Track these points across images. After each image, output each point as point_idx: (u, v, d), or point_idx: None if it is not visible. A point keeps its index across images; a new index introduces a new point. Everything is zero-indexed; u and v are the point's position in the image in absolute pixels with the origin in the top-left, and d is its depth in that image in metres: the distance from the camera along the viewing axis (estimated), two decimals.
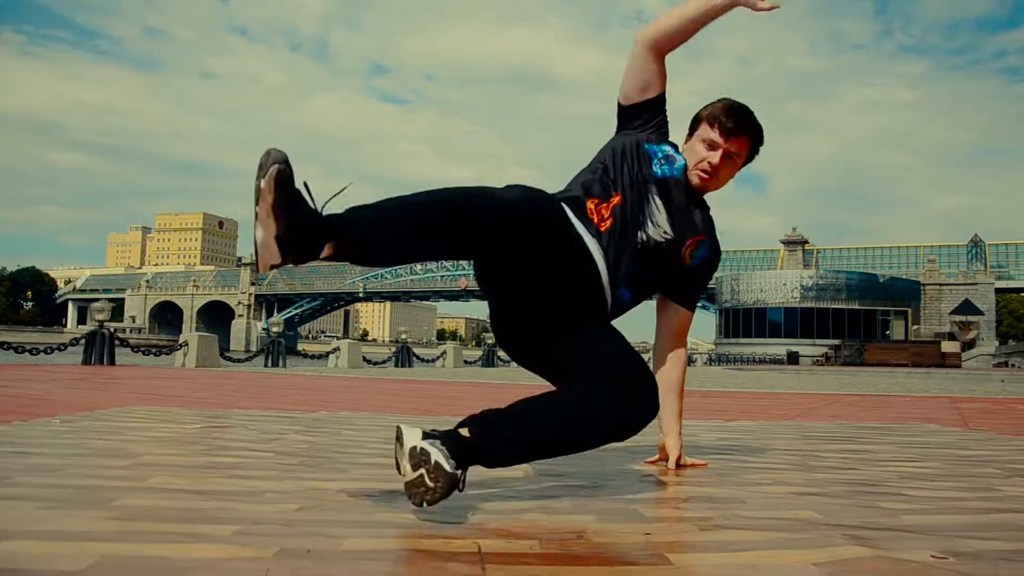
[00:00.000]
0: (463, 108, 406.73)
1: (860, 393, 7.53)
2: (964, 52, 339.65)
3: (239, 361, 13.31)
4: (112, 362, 10.73)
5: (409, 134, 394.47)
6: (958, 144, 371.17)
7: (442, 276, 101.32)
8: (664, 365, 1.96)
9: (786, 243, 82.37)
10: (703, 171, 1.88)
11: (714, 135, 1.89)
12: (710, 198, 1.95)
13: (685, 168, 1.88)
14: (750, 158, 1.98)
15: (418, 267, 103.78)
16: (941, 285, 71.01)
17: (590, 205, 1.73)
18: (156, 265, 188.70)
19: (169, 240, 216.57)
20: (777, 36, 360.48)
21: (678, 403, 1.97)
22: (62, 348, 10.82)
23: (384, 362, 16.22)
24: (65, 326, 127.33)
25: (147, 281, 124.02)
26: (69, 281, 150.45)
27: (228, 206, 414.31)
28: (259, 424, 2.96)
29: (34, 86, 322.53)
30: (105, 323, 11.00)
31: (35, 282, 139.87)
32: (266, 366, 13.49)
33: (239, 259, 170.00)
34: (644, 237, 1.75)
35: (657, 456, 2.03)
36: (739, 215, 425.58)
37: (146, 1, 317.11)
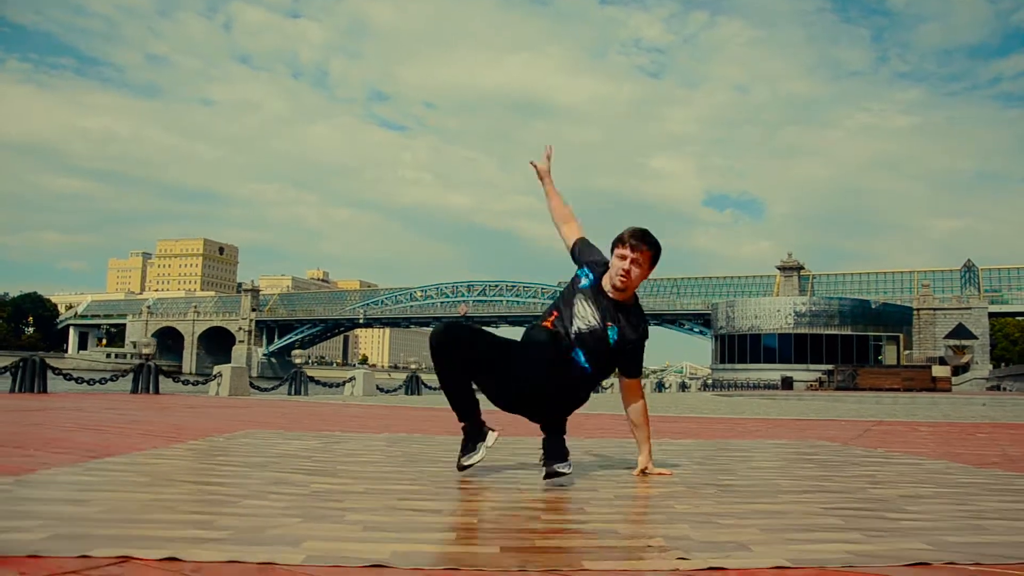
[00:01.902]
0: (462, 135, 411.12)
1: (808, 418, 8.74)
2: (959, 79, 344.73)
3: (266, 390, 14.47)
4: (157, 391, 11.94)
5: (408, 161, 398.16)
6: (954, 169, 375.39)
7: (442, 302, 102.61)
8: (628, 409, 3.07)
9: (782, 269, 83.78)
10: (620, 275, 2.93)
11: (625, 250, 2.94)
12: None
13: (596, 279, 2.98)
14: (654, 263, 3.02)
15: (417, 293, 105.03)
16: (935, 310, 72.19)
17: (547, 322, 2.92)
18: (156, 291, 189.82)
19: (169, 266, 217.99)
20: (774, 63, 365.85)
21: (644, 432, 3.06)
22: (114, 379, 12.00)
23: (396, 390, 17.38)
24: (67, 351, 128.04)
25: (148, 307, 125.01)
26: (71, 306, 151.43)
27: (229, 232, 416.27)
28: (361, 441, 4.17)
29: (37, 113, 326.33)
30: (151, 357, 12.22)
31: (37, 307, 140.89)
32: (289, 394, 14.65)
33: (239, 285, 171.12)
34: (577, 328, 2.88)
35: (637, 468, 3.13)
36: (736, 240, 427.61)
37: (148, 28, 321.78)
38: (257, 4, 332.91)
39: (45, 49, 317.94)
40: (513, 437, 4.69)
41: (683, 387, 34.95)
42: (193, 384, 13.62)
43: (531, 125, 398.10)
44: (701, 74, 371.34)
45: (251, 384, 13.97)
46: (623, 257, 2.88)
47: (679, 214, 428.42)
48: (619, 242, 2.91)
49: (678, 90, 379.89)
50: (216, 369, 13.41)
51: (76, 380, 11.69)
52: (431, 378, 21.00)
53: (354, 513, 1.96)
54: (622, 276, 2.87)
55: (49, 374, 11.37)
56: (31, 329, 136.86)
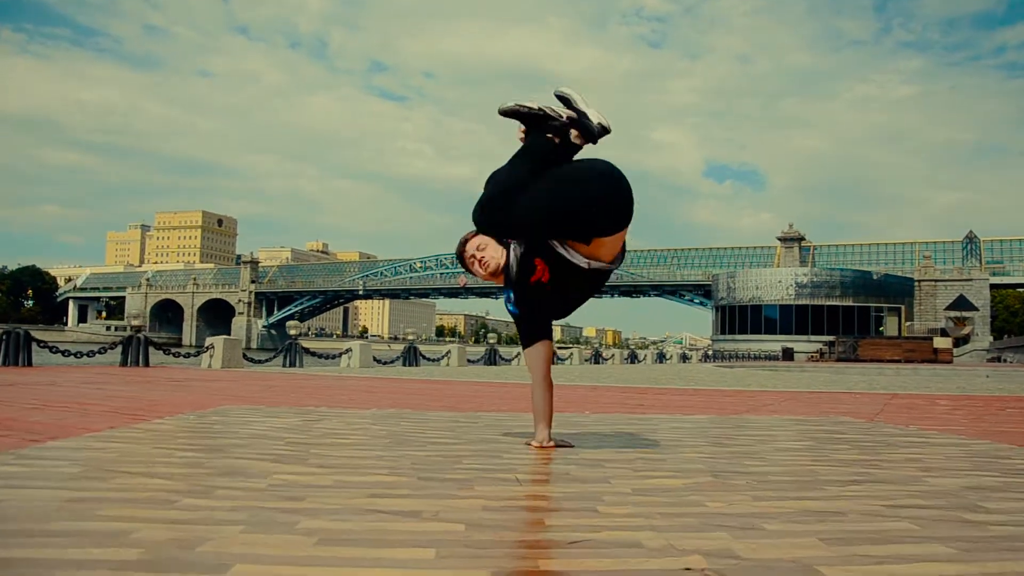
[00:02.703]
0: (462, 107, 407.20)
1: (817, 390, 8.37)
2: (963, 48, 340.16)
3: (260, 362, 14.12)
4: (147, 363, 11.59)
5: (409, 132, 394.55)
6: (956, 141, 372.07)
7: (441, 273, 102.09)
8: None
9: (783, 240, 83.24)
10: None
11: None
12: None
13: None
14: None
15: (417, 264, 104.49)
16: (936, 281, 71.83)
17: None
18: (156, 263, 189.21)
19: (168, 238, 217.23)
20: (776, 34, 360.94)
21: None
22: (103, 351, 11.63)
23: (393, 362, 17.04)
24: (66, 324, 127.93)
25: (147, 279, 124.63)
26: (69, 279, 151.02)
27: (227, 204, 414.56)
28: (345, 418, 3.80)
29: (34, 85, 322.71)
30: (141, 329, 11.85)
31: (36, 280, 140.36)
32: (284, 366, 14.30)
33: (238, 257, 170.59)
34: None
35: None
36: (737, 212, 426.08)
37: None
38: None
39: (40, 19, 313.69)
40: (507, 413, 4.32)
41: (684, 358, 34.66)
42: (186, 356, 13.25)
43: (532, 96, 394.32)
44: (702, 45, 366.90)
45: (245, 356, 13.61)
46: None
47: (679, 186, 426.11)
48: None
49: (678, 62, 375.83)
50: (208, 341, 13.05)
51: (63, 353, 11.32)
52: (429, 349, 20.70)
53: (310, 517, 1.58)
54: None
55: (36, 347, 11.02)
56: (31, 302, 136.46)
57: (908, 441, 3.34)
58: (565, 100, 2.57)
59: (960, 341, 62.76)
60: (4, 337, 10.56)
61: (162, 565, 1.22)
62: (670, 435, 3.38)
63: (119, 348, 11.70)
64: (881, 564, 1.29)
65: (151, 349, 11.84)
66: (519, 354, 20.83)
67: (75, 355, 11.14)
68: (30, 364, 10.50)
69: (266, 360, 14.54)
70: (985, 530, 1.58)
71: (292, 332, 15.46)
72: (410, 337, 18.88)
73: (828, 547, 1.40)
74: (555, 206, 2.41)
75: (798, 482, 2.20)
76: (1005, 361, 52.43)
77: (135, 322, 12.05)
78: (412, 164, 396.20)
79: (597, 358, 25.84)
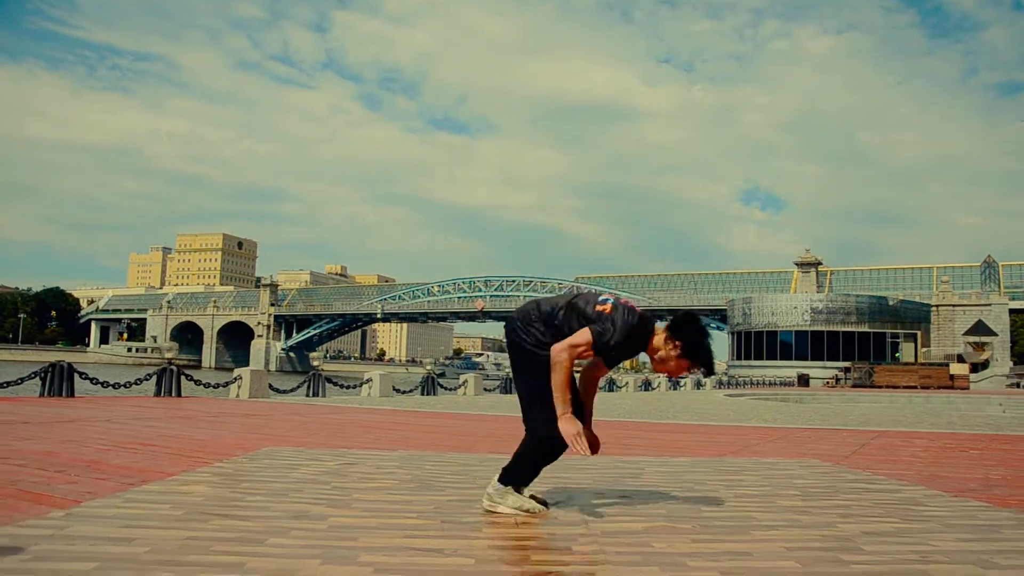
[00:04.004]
0: (482, 132, 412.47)
1: (813, 426, 8.95)
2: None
3: (285, 392, 14.84)
4: (179, 394, 12.33)
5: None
6: (980, 165, 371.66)
7: (459, 297, 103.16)
8: None
9: (800, 265, 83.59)
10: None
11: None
12: None
13: None
14: None
15: (435, 288, 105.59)
16: (954, 306, 71.68)
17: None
18: (176, 285, 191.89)
19: (189, 260, 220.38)
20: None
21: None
22: (139, 383, 12.39)
23: (412, 391, 17.72)
24: (88, 345, 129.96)
25: (168, 301, 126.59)
26: (92, 301, 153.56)
27: (247, 228, 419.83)
28: (375, 461, 4.46)
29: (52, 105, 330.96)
30: (173, 360, 12.61)
31: (59, 302, 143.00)
32: (307, 395, 15.02)
33: (258, 279, 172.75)
34: None
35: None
36: (755, 235, 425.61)
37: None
38: None
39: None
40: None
41: (698, 385, 35.10)
42: (215, 387, 14.00)
43: (544, 127, 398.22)
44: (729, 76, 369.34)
45: (270, 386, 14.35)
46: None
47: (713, 210, 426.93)
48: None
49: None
50: (236, 372, 13.78)
51: (102, 384, 12.07)
52: (444, 380, 21.41)
53: (367, 553, 2.23)
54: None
55: (77, 377, 11.79)
56: (54, 324, 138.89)
57: (853, 487, 3.94)
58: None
59: (979, 367, 62.53)
60: (50, 369, 11.34)
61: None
62: (649, 480, 4.01)
63: (152, 378, 12.44)
64: None
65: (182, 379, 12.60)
66: None
67: (112, 386, 11.90)
68: (72, 395, 11.25)
69: (290, 390, 15.26)
70: (848, 568, 2.20)
71: (315, 363, 16.20)
72: (428, 367, 19.61)
73: None
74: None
75: (733, 527, 2.82)
76: None
77: (168, 354, 12.83)
78: (435, 188, 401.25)
79: (611, 386, 26.41)
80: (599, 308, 2.86)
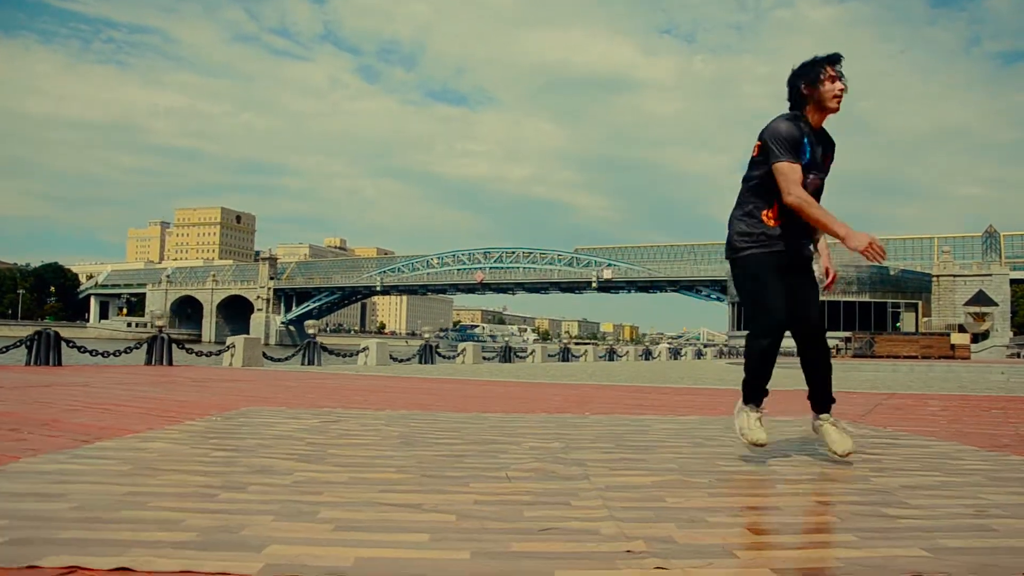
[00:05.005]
0: (481, 104, 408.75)
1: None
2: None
3: (279, 360, 14.51)
4: (171, 362, 12.01)
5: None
6: (979, 133, 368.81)
7: (459, 269, 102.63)
8: None
9: None
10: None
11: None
12: None
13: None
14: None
15: (434, 260, 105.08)
16: (955, 276, 71.30)
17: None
18: (175, 260, 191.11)
19: (187, 235, 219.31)
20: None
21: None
22: (128, 351, 12.08)
23: (409, 359, 17.40)
24: (87, 320, 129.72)
25: (167, 276, 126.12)
26: (91, 276, 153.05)
27: (246, 201, 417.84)
28: (357, 420, 4.13)
29: (48, 83, 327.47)
30: (164, 329, 12.27)
31: (58, 278, 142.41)
32: (303, 364, 14.70)
33: (257, 253, 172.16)
34: None
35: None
36: None
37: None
38: None
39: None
40: (512, 415, 4.63)
41: (699, 355, 34.83)
42: (207, 355, 13.69)
43: (544, 99, 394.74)
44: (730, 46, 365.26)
45: (264, 355, 14.02)
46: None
47: (699, 178, 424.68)
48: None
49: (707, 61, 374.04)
50: (229, 340, 13.46)
51: (91, 353, 11.75)
52: (440, 350, 21.08)
53: (330, 508, 1.90)
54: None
55: (65, 346, 11.46)
56: (53, 299, 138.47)
57: (877, 442, 3.61)
58: None
59: (979, 337, 62.30)
60: (36, 337, 11.01)
61: (211, 545, 1.54)
62: (657, 436, 3.68)
63: (144, 347, 12.13)
64: (788, 549, 1.59)
65: (174, 347, 12.27)
66: (532, 352, 21.19)
67: (102, 355, 11.58)
68: (60, 363, 10.93)
69: (285, 359, 14.94)
70: (894, 522, 1.87)
71: (310, 331, 15.87)
72: (426, 336, 19.27)
73: (753, 535, 1.70)
74: None
75: (755, 481, 2.50)
76: None
77: (159, 322, 12.48)
78: (432, 162, 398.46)
79: (611, 355, 26.10)
80: (752, 156, 2.84)
